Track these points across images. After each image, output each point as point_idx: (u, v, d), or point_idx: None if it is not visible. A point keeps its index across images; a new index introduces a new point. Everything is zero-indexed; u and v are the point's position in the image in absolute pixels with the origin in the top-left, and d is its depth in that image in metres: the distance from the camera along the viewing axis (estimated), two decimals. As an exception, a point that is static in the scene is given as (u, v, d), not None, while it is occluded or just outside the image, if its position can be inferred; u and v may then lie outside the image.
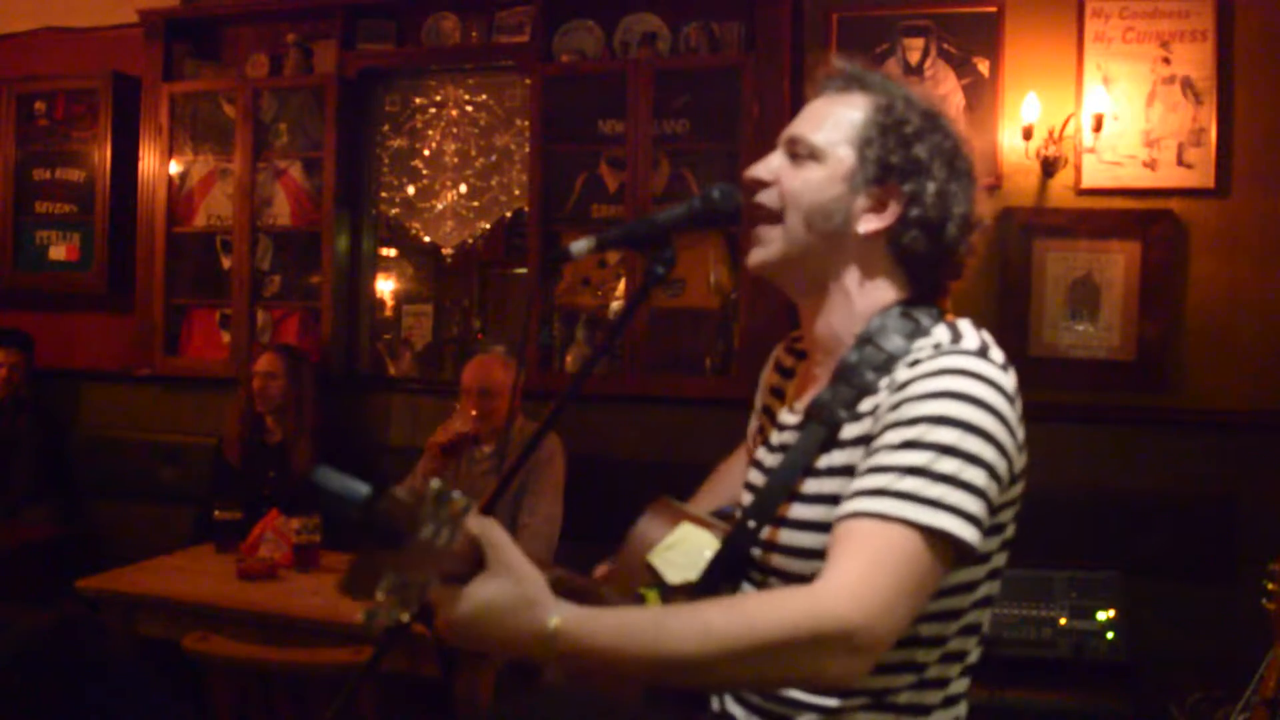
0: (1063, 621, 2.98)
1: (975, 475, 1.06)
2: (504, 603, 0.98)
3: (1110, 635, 2.96)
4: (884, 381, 1.16)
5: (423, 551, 0.92)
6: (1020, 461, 1.14)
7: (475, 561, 1.00)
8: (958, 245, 1.23)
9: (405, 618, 0.93)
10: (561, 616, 0.99)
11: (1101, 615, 2.98)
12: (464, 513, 0.94)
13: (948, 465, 1.05)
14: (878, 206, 1.22)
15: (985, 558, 1.16)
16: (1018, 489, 1.16)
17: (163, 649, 2.51)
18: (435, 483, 0.93)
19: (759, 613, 1.02)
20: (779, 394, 1.39)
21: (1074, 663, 2.93)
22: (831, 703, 1.17)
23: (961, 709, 1.23)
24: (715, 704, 1.25)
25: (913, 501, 1.04)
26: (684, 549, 1.28)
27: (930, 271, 1.24)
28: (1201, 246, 3.25)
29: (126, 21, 4.28)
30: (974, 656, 1.22)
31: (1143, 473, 3.25)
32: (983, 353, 1.12)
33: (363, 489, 0.91)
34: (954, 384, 1.09)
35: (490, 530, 1.01)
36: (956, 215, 1.21)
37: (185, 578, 2.91)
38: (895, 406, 1.11)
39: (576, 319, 3.88)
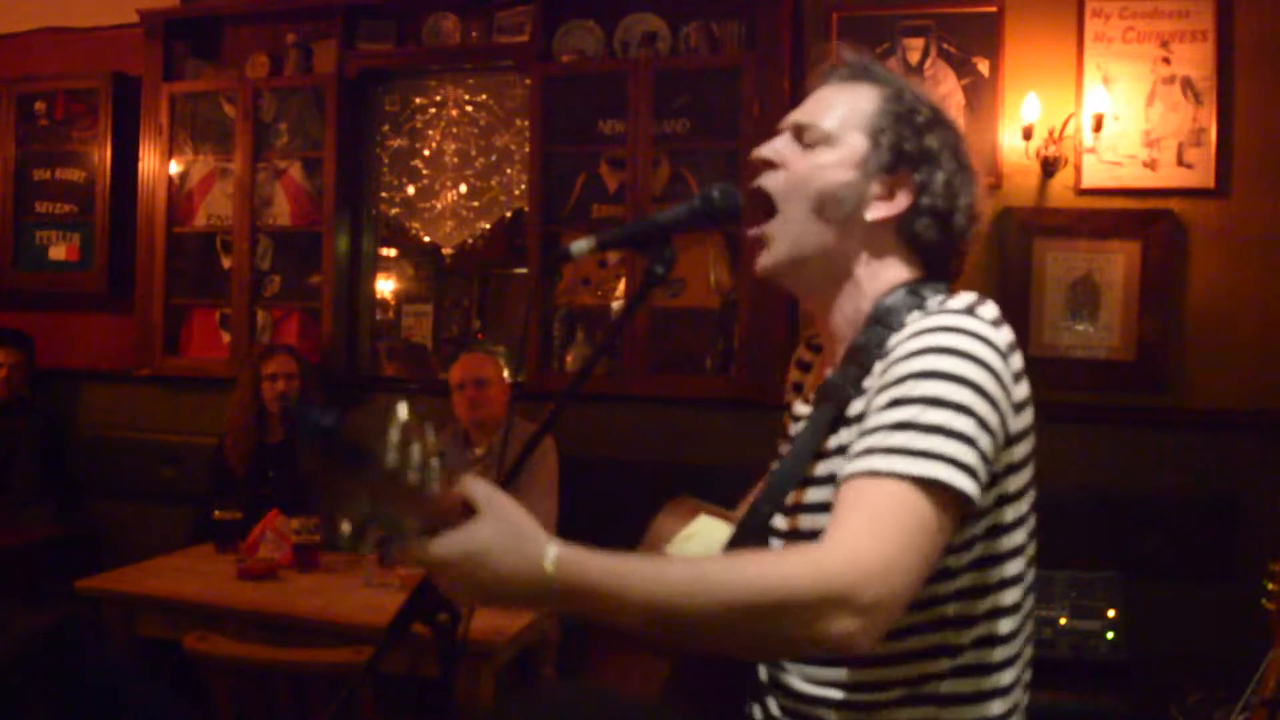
0: (1063, 621, 2.98)
1: (965, 424, 1.04)
2: (499, 541, 0.96)
3: (1110, 635, 2.96)
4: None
5: (389, 482, 0.90)
6: (1019, 421, 1.12)
7: (466, 518, 0.98)
8: (964, 235, 1.23)
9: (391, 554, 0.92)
10: (559, 550, 0.97)
11: (1101, 615, 2.98)
12: (438, 456, 0.92)
13: (935, 416, 1.04)
14: (887, 194, 1.22)
15: (1000, 529, 1.14)
16: (1020, 451, 1.13)
17: (163, 649, 2.51)
18: (402, 409, 0.91)
19: (758, 569, 1.00)
20: (798, 390, 1.39)
21: (1074, 663, 2.93)
22: (868, 697, 1.15)
23: (1018, 698, 1.19)
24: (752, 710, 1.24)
25: (902, 455, 1.03)
26: (701, 539, 1.28)
27: (939, 260, 1.24)
28: (1201, 246, 3.25)
29: (126, 21, 4.29)
30: (1017, 645, 1.18)
31: (1143, 473, 3.25)
32: (970, 310, 1.11)
33: (329, 416, 0.89)
34: (937, 340, 1.08)
35: (477, 484, 0.99)
36: (963, 206, 1.22)
37: (185, 578, 2.91)
38: (884, 372, 1.11)
39: (576, 319, 3.88)
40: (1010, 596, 1.17)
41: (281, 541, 2.99)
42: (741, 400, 3.51)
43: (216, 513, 3.19)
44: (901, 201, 1.21)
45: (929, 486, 1.02)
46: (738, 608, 0.97)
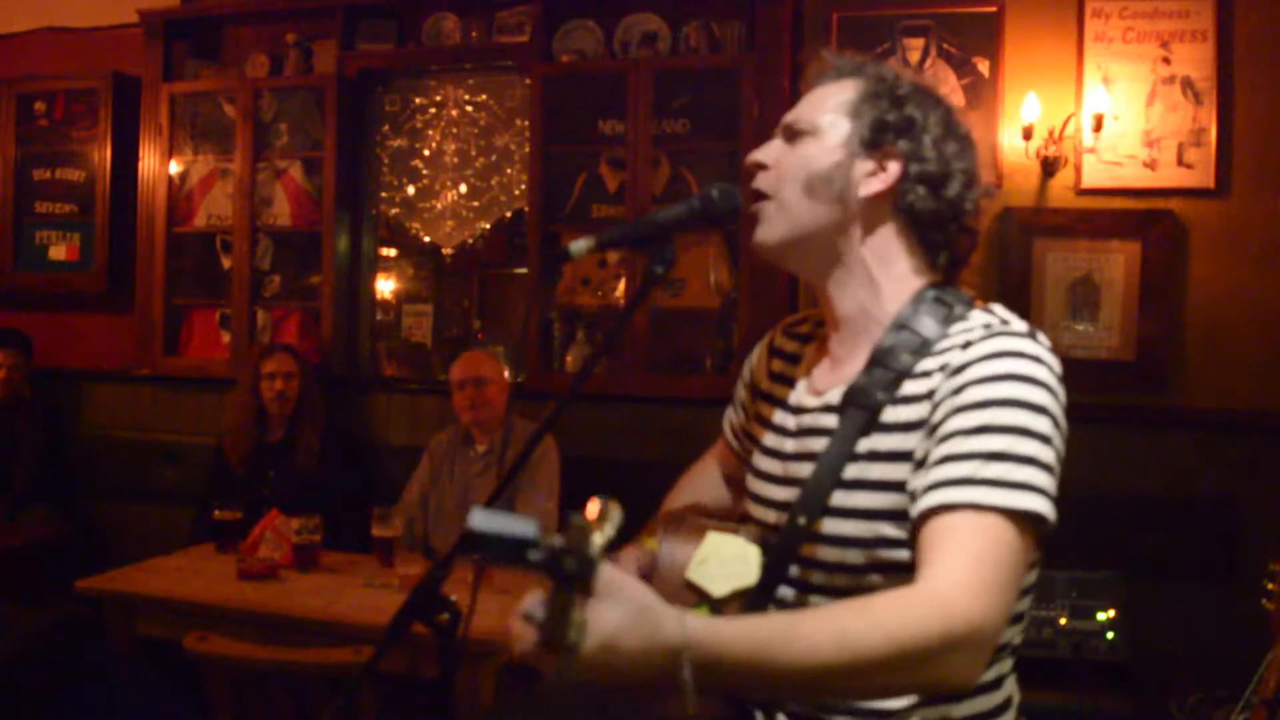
0: (1063, 621, 2.98)
1: (1049, 455, 1.08)
2: (624, 622, 0.90)
3: (1110, 635, 2.96)
4: (927, 364, 1.16)
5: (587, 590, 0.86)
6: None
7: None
8: (962, 202, 1.23)
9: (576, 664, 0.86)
10: (689, 626, 0.93)
11: (1101, 615, 2.98)
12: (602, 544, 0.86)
13: (1027, 447, 1.06)
14: (878, 168, 1.23)
15: None
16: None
17: (163, 649, 2.51)
18: (589, 514, 0.85)
19: (889, 617, 0.98)
20: (783, 379, 1.37)
21: (1074, 663, 2.93)
22: (880, 705, 1.15)
23: (1011, 689, 1.22)
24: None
25: (1003, 487, 1.05)
26: (719, 557, 1.24)
27: (941, 233, 1.24)
28: (1201, 246, 3.25)
29: (126, 21, 4.29)
30: (1017, 640, 1.22)
31: (1143, 473, 3.25)
32: (1032, 335, 1.14)
33: (530, 527, 0.83)
34: (1015, 366, 1.10)
35: (603, 568, 0.95)
36: (958, 170, 1.23)
37: (185, 578, 2.90)
38: (958, 391, 1.11)
39: (577, 319, 3.88)
40: (1023, 605, 1.19)
41: (281, 541, 2.98)
42: (741, 400, 3.50)
43: (216, 513, 3.19)
44: (893, 172, 1.22)
45: (1025, 519, 1.05)
46: (878, 659, 0.97)
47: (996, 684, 1.20)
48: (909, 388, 1.16)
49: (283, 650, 2.29)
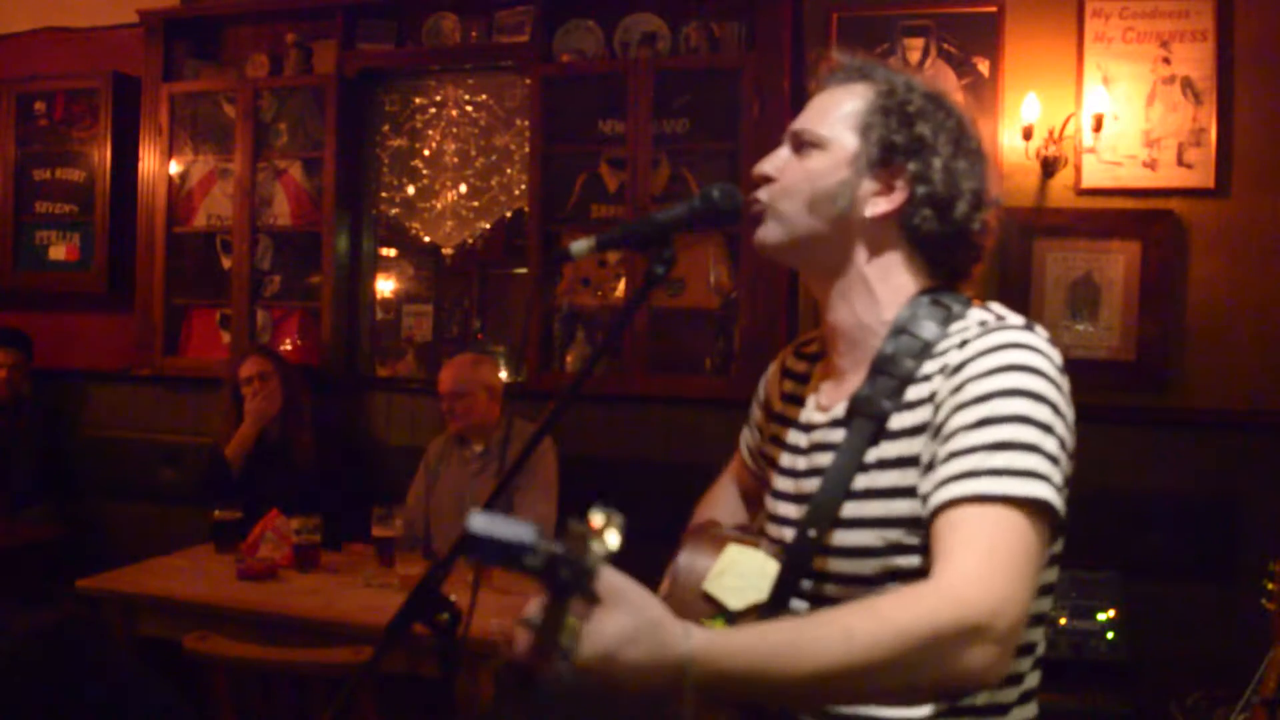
0: (1063, 621, 2.98)
1: (1053, 444, 1.06)
2: (628, 633, 0.89)
3: (1110, 635, 2.96)
4: (928, 367, 1.15)
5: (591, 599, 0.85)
6: (1073, 437, 1.13)
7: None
8: (970, 223, 1.22)
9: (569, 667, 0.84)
10: (694, 639, 0.92)
11: (1101, 615, 2.98)
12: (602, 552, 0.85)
13: (1030, 435, 1.05)
14: (885, 189, 1.21)
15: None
16: (1071, 465, 1.14)
17: (163, 649, 2.51)
18: (592, 523, 0.84)
19: (895, 613, 0.97)
20: (794, 399, 1.37)
21: (1074, 663, 2.93)
22: (906, 715, 1.13)
23: (1034, 707, 1.20)
24: None
25: (1008, 476, 1.03)
26: (737, 570, 1.23)
27: (947, 253, 1.23)
28: (1201, 246, 3.25)
29: (126, 21, 4.29)
30: (1042, 648, 1.20)
31: (1142, 473, 3.25)
32: (1030, 327, 1.13)
33: (528, 532, 0.82)
34: (1013, 357, 1.09)
35: (605, 574, 0.93)
36: (966, 191, 1.21)
37: (185, 578, 2.91)
38: (957, 389, 1.10)
39: (576, 319, 3.88)
40: (1045, 604, 1.17)
41: (281, 541, 2.99)
42: (741, 400, 3.47)
43: (216, 513, 3.19)
44: (899, 195, 1.21)
45: (1033, 507, 1.03)
46: (888, 656, 0.94)
47: (1023, 699, 1.17)
48: (913, 393, 1.15)
49: (283, 650, 2.29)
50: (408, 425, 4.03)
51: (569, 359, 3.83)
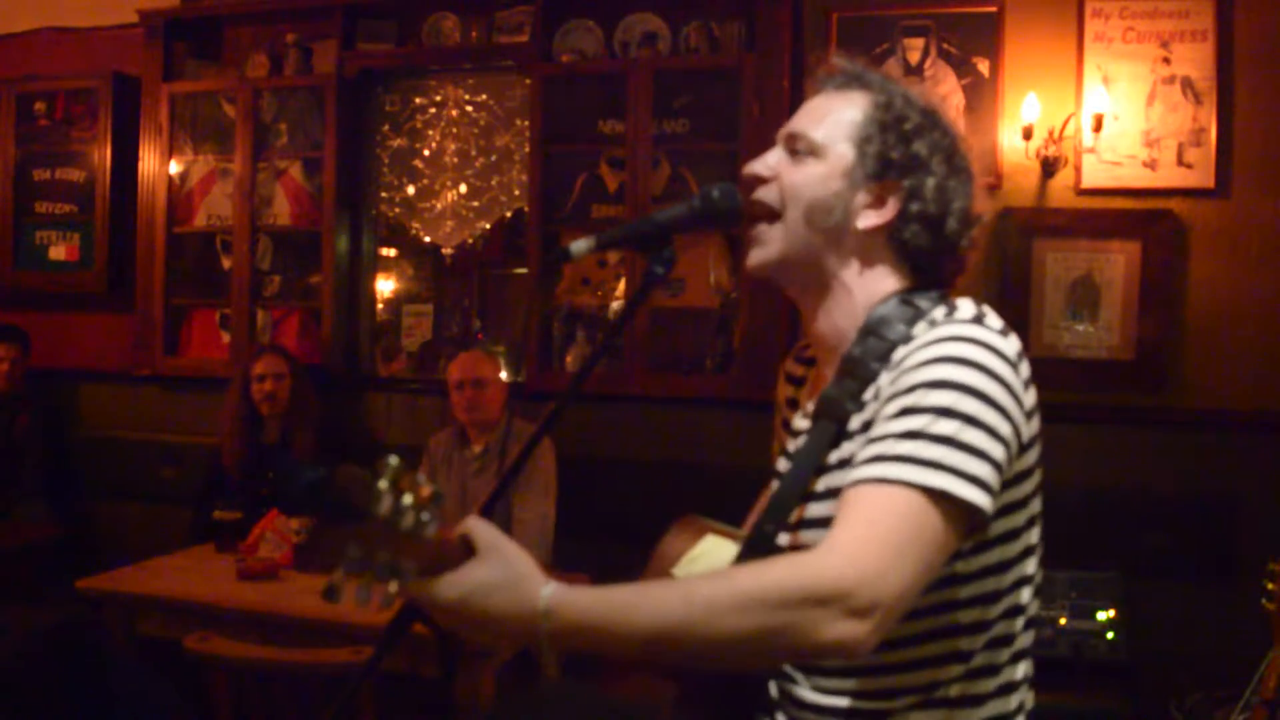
0: (1063, 621, 2.98)
1: (974, 437, 1.04)
2: (493, 581, 0.99)
3: (1110, 635, 2.96)
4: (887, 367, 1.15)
5: (383, 530, 0.90)
6: (1029, 428, 1.12)
7: (467, 558, 1.00)
8: (958, 240, 1.22)
9: (376, 600, 0.92)
10: (548, 594, 0.99)
11: (1101, 615, 2.98)
12: (433, 500, 0.92)
13: (945, 426, 1.03)
14: (877, 202, 1.21)
15: (1014, 534, 1.14)
16: (1031, 457, 1.14)
17: (163, 649, 2.51)
18: (393, 459, 0.91)
19: (742, 578, 1.01)
20: (793, 404, 1.38)
21: (1074, 663, 2.93)
22: (879, 705, 1.14)
23: (1024, 695, 1.20)
24: None
25: (909, 463, 1.02)
26: (707, 560, 1.26)
27: (932, 265, 1.23)
28: (1201, 246, 3.25)
29: (126, 21, 4.29)
30: (1025, 641, 1.19)
31: (1143, 473, 3.25)
32: (978, 320, 1.11)
33: (317, 470, 0.90)
34: (947, 349, 1.08)
35: (478, 524, 1.02)
36: (956, 210, 1.21)
37: (185, 578, 2.91)
38: (893, 382, 1.10)
39: (576, 319, 3.88)
40: (1023, 597, 1.17)
41: (281, 541, 2.98)
42: (741, 400, 3.51)
43: (216, 513, 3.19)
44: (891, 209, 1.21)
45: (934, 497, 1.02)
46: (727, 614, 0.97)
47: (1002, 691, 1.17)
48: (869, 392, 1.15)
49: (283, 650, 2.29)
50: (408, 425, 4.03)
51: (569, 359, 3.83)
